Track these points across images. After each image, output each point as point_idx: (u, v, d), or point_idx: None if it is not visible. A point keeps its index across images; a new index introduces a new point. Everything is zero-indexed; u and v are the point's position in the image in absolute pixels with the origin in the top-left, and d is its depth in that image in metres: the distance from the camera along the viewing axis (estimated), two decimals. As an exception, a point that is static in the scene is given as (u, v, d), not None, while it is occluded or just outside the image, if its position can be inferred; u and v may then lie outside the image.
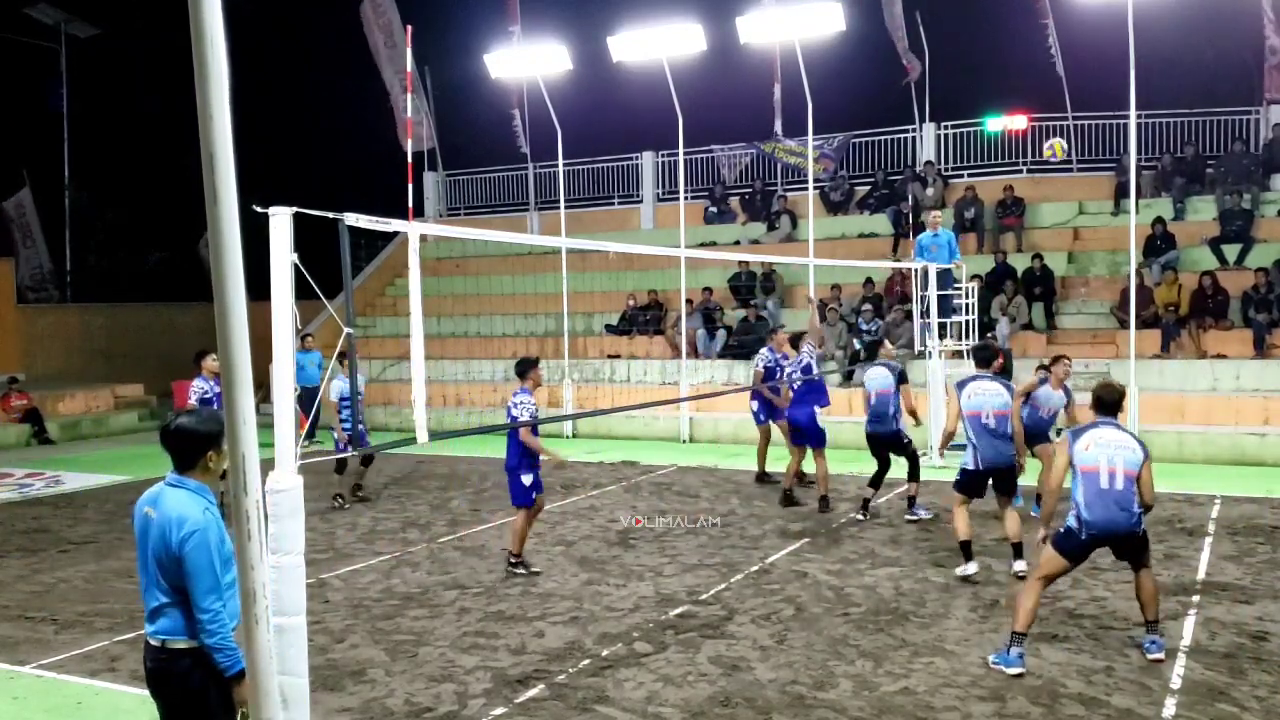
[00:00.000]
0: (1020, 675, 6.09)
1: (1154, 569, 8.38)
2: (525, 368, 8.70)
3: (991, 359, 8.85)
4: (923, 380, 15.30)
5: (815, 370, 11.51)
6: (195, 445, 3.87)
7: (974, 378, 8.44)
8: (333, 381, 11.51)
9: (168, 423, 3.98)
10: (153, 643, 3.87)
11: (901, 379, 10.69)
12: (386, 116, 24.02)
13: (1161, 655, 6.31)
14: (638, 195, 24.91)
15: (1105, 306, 17.46)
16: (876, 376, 10.71)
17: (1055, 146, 14.01)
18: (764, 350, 13.00)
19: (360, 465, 12.34)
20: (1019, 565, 8.12)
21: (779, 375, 12.36)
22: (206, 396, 10.81)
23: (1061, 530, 6.36)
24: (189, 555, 3.72)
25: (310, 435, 17.54)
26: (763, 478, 12.81)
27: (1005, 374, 14.45)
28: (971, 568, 8.20)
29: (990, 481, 8.33)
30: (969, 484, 8.34)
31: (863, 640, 6.83)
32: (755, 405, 12.82)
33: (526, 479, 8.55)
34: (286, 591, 4.56)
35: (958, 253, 15.20)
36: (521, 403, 8.46)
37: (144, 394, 22.47)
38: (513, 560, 8.78)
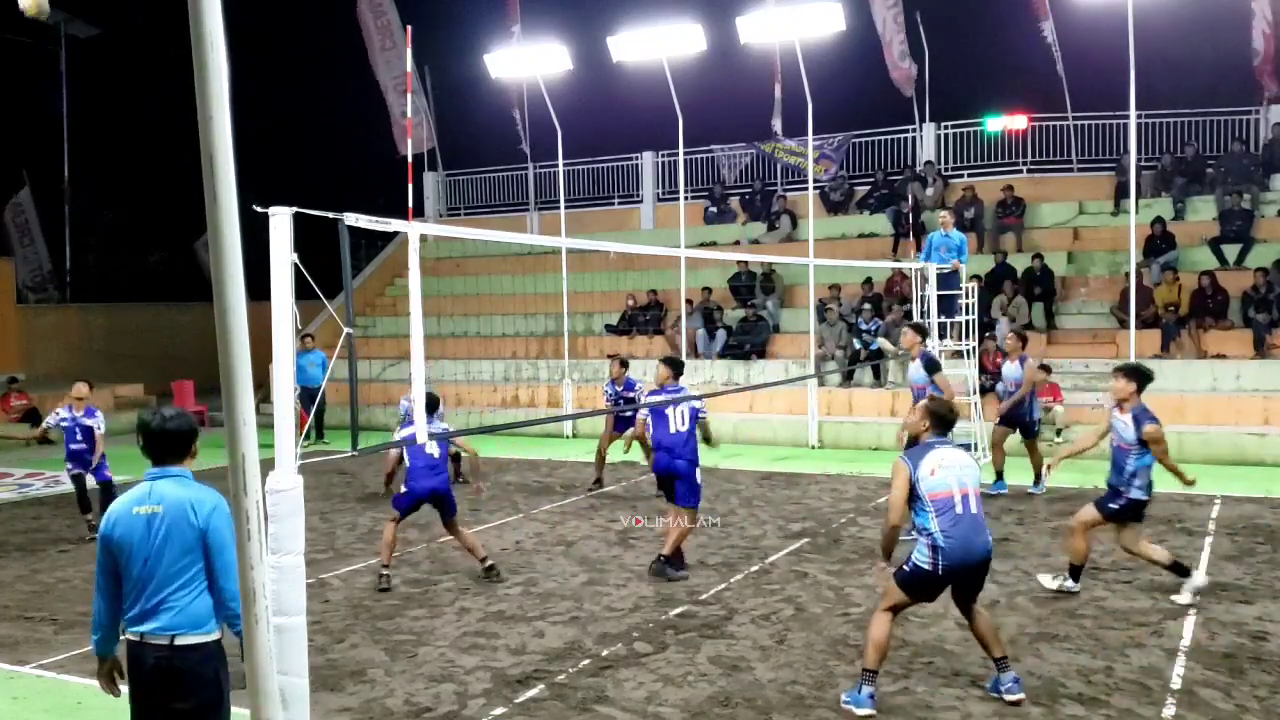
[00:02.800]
0: (870, 717, 5.51)
1: (1154, 569, 8.42)
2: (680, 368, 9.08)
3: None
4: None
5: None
6: (188, 437, 3.99)
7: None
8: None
9: (153, 424, 3.97)
10: (156, 640, 3.79)
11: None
12: (385, 117, 24.04)
13: (1021, 695, 5.65)
14: (638, 195, 24.91)
15: (1105, 306, 17.47)
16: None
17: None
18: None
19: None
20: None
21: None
22: (64, 424, 10.75)
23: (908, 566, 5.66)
24: (218, 530, 3.79)
25: (319, 436, 17.55)
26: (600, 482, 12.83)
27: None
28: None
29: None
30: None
31: (863, 640, 6.82)
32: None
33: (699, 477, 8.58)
34: (286, 591, 4.56)
35: (965, 255, 15.19)
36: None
37: (144, 394, 22.47)
38: (665, 559, 8.46)
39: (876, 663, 5.67)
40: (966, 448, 14.33)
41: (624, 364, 13.15)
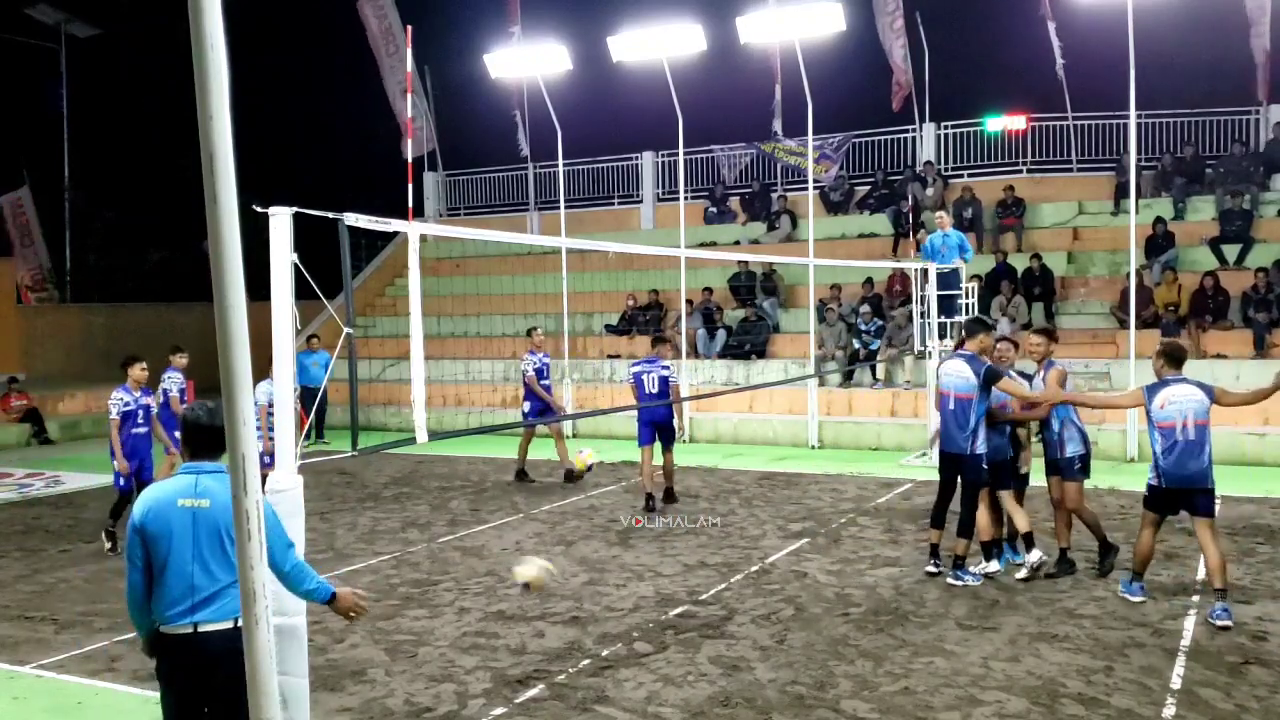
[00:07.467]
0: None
1: (1154, 569, 8.43)
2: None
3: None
4: (923, 380, 15.32)
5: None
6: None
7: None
8: (259, 384, 9.54)
9: (202, 419, 3.97)
10: (222, 626, 3.85)
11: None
12: (387, 117, 24.04)
13: (1228, 623, 6.87)
14: (638, 195, 24.90)
15: (1105, 306, 17.47)
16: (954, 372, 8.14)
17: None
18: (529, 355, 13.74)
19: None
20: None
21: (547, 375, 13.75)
22: (129, 409, 9.87)
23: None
24: (268, 519, 3.85)
25: (319, 435, 17.57)
26: (522, 475, 13.47)
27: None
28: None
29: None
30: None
31: (863, 640, 6.83)
32: (527, 406, 13.59)
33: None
34: (287, 592, 4.55)
35: (970, 250, 15.15)
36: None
37: (144, 394, 22.42)
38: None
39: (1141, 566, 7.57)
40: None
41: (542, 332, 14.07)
